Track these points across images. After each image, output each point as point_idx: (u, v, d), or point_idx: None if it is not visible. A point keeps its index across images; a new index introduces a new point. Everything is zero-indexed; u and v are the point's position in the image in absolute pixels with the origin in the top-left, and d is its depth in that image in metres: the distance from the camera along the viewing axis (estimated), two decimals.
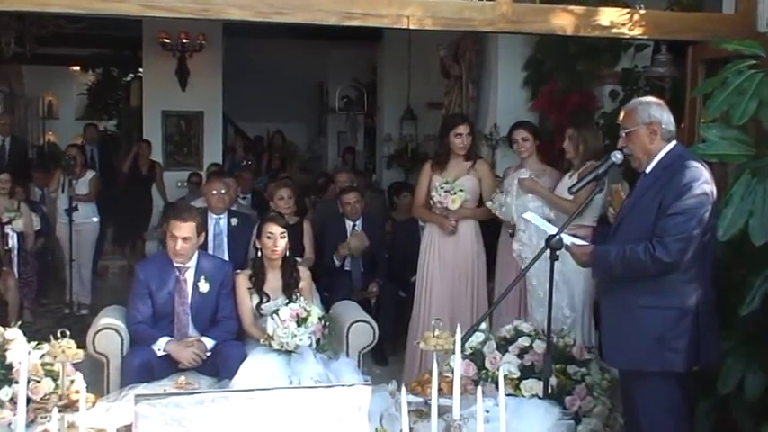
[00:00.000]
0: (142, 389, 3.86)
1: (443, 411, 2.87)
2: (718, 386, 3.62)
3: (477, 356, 4.14)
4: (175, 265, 4.59)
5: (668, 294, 3.41)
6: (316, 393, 2.59)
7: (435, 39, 7.54)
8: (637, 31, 4.37)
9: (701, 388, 3.67)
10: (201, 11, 3.98)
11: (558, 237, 3.58)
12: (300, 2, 4.02)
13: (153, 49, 10.10)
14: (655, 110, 3.53)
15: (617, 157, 3.60)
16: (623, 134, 3.59)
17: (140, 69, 11.72)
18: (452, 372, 2.83)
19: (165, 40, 9.96)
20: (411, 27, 4.15)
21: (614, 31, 4.33)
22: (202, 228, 4.75)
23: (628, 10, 4.41)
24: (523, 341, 4.11)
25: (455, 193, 5.12)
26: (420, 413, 3.48)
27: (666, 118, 3.53)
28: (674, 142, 3.54)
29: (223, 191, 5.98)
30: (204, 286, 4.61)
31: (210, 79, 10.32)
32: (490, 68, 7.14)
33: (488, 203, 5.15)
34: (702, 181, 3.37)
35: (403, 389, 2.53)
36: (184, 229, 4.53)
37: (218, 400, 2.42)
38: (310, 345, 4.38)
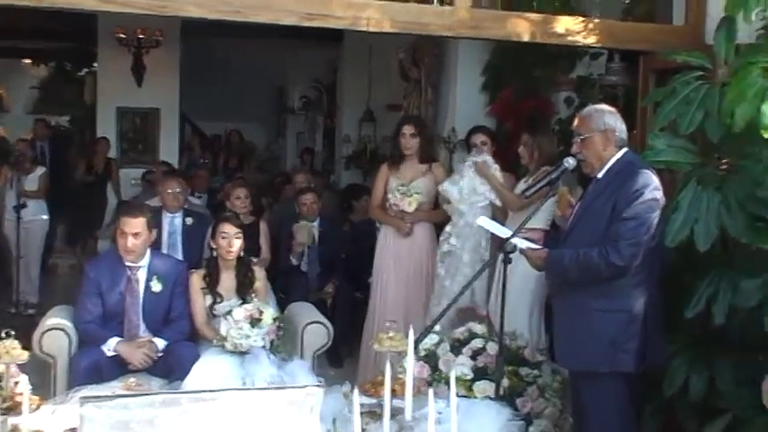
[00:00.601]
0: (90, 390, 3.81)
1: (396, 413, 2.88)
2: (663, 387, 3.70)
3: (430, 358, 4.17)
4: (127, 264, 4.54)
5: (619, 298, 3.48)
6: (267, 395, 2.59)
7: (395, 41, 7.55)
8: (591, 40, 4.44)
9: (648, 389, 3.75)
10: (158, 7, 3.94)
11: (511, 240, 3.63)
12: (259, 1, 4.01)
13: (108, 43, 9.95)
14: (609, 117, 3.61)
15: (569, 162, 3.67)
16: (578, 140, 3.65)
17: (95, 64, 11.55)
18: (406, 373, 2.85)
19: (121, 36, 9.81)
20: (370, 29, 4.17)
21: (569, 38, 4.39)
22: (153, 224, 4.70)
23: (582, 19, 4.48)
24: (477, 343, 4.15)
25: (411, 196, 5.17)
26: (373, 414, 3.49)
27: (620, 126, 3.61)
28: (625, 149, 3.62)
29: (178, 189, 5.93)
30: (157, 286, 4.56)
31: (168, 76, 10.20)
32: (449, 72, 7.17)
33: (439, 187, 5.19)
34: (653, 187, 3.46)
35: (355, 390, 2.54)
36: (135, 225, 4.48)
37: (167, 401, 2.39)
38: (264, 346, 4.37)
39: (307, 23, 4.06)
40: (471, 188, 5.04)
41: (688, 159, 3.78)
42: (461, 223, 5.05)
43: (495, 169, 5.04)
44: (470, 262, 4.96)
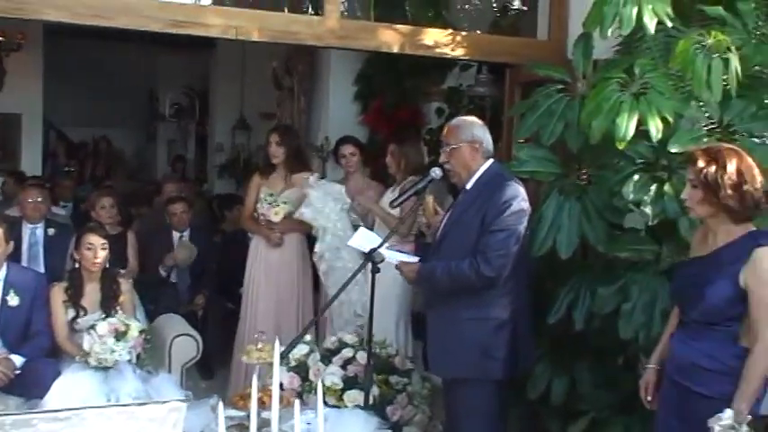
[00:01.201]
0: None
1: (265, 425, 2.84)
2: (528, 391, 3.82)
3: (301, 368, 4.15)
4: None
5: (489, 306, 3.56)
6: (127, 411, 2.50)
7: (269, 48, 7.51)
8: (459, 52, 4.52)
9: (515, 394, 3.85)
10: (14, 9, 3.76)
11: (381, 252, 3.64)
12: (122, 6, 3.89)
13: None
14: (477, 129, 3.69)
15: (436, 173, 3.73)
16: (446, 150, 3.70)
17: None
18: None
19: None
20: (238, 38, 4.11)
21: (438, 50, 4.46)
22: (11, 235, 4.47)
23: (451, 31, 4.57)
24: (347, 352, 4.16)
25: (278, 206, 5.12)
26: (242, 427, 3.44)
27: (487, 138, 3.69)
28: (491, 160, 3.70)
29: (39, 199, 5.68)
30: (14, 300, 4.34)
31: (30, 80, 9.75)
32: (322, 81, 7.20)
33: (296, 213, 5.13)
34: (520, 198, 3.55)
35: (220, 403, 2.48)
36: None
37: (18, 423, 2.27)
38: (130, 360, 4.24)
39: (173, 30, 3.97)
40: (322, 200, 5.01)
41: (550, 169, 3.90)
42: (328, 239, 5.03)
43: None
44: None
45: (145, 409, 2.50)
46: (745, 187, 2.84)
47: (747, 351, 2.84)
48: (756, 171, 2.89)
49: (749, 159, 2.92)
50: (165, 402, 2.56)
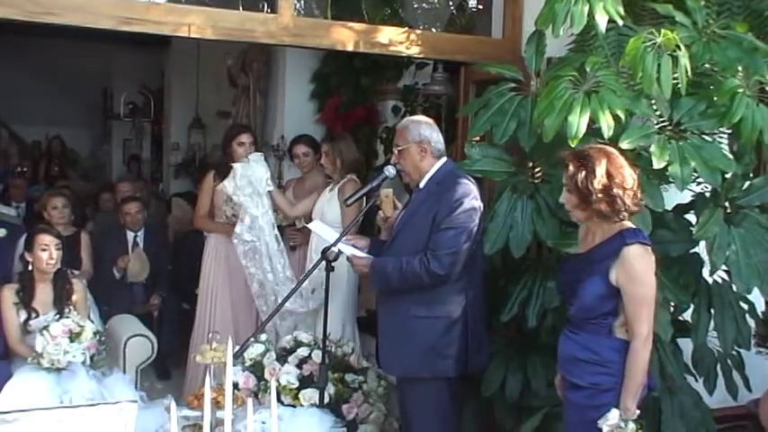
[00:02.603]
0: None
1: (220, 425, 2.84)
2: (482, 388, 3.84)
3: (256, 368, 4.13)
4: None
5: (440, 304, 3.58)
6: (78, 413, 2.47)
7: (224, 46, 7.44)
8: (414, 50, 4.52)
9: (469, 390, 3.87)
10: None
11: (333, 248, 3.64)
12: (73, 3, 3.82)
13: None
14: (424, 129, 3.70)
15: (390, 171, 3.75)
16: (396, 151, 3.74)
17: None
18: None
19: None
20: (192, 36, 4.07)
21: (393, 48, 4.45)
22: None
23: (406, 29, 4.56)
24: (302, 351, 4.15)
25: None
26: (197, 427, 3.43)
27: (435, 137, 3.70)
28: (444, 158, 3.72)
29: None
30: None
31: None
32: (278, 80, 7.14)
33: (219, 186, 5.04)
34: (471, 197, 3.57)
35: (173, 404, 2.47)
36: None
37: None
38: (84, 361, 4.19)
39: (125, 28, 3.91)
40: (246, 177, 4.89)
41: (503, 168, 3.90)
42: (247, 220, 4.92)
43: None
44: (272, 252, 4.91)
45: (95, 411, 2.48)
46: (615, 190, 2.86)
47: (623, 343, 2.91)
48: (628, 171, 2.92)
49: (620, 159, 2.95)
50: (115, 403, 2.54)
